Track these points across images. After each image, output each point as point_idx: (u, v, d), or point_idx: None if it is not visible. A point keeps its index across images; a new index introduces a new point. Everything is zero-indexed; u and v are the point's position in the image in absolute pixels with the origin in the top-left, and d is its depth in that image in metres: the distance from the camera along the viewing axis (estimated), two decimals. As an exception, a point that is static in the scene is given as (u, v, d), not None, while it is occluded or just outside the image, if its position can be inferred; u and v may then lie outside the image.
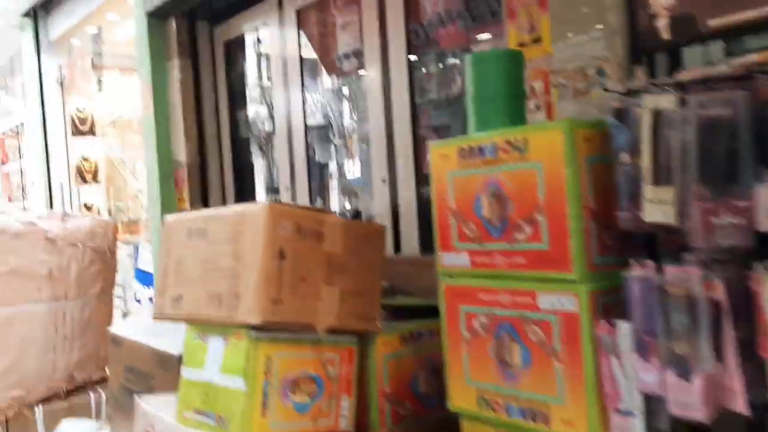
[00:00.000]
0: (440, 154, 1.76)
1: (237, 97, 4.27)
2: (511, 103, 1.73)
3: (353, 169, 3.94)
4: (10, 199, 8.81)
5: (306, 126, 3.59)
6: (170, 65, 4.29)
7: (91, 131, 6.71)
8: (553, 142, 1.49)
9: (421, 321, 2.22)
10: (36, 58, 6.47)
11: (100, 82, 6.66)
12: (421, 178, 2.91)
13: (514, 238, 1.58)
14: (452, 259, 1.76)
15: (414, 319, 2.25)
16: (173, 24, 4.24)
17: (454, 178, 1.73)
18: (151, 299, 4.87)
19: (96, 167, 6.77)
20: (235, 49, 4.25)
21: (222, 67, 4.29)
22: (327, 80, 3.88)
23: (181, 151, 4.28)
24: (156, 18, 4.27)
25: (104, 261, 3.14)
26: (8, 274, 2.78)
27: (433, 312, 2.35)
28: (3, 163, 8.74)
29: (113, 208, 7.11)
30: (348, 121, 3.80)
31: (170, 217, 2.16)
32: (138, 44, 4.41)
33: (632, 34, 1.76)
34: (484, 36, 2.60)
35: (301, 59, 3.57)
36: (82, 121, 6.69)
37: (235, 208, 1.95)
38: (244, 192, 4.27)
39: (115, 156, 7.22)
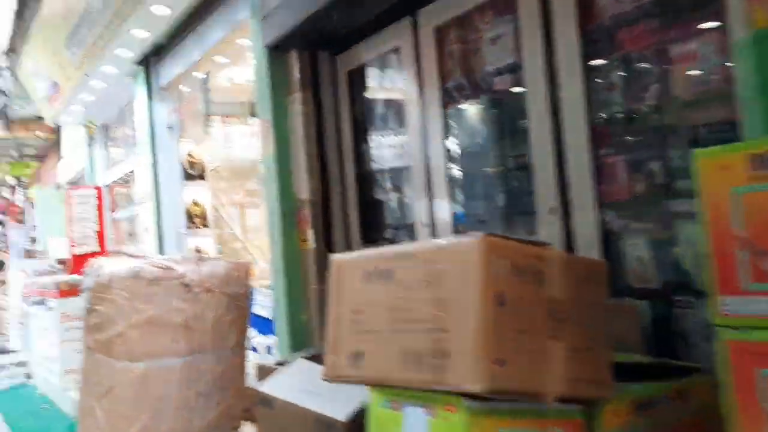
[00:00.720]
0: (717, 164, 1.33)
1: (361, 129, 3.99)
2: (820, 91, 1.28)
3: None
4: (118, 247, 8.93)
5: (448, 155, 3.23)
6: (291, 99, 4.07)
7: (201, 176, 6.67)
8: None
9: (655, 384, 1.76)
10: (147, 105, 6.51)
11: (207, 127, 6.64)
12: (605, 206, 2.46)
13: None
14: (741, 306, 1.31)
15: (631, 379, 1.79)
16: (294, 56, 4.03)
17: (742, 196, 1.29)
18: (269, 348, 4.59)
19: (205, 211, 6.71)
20: (358, 78, 3.99)
21: (345, 98, 4.03)
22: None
23: (303, 188, 4.01)
24: (276, 51, 4.08)
25: (239, 308, 2.85)
26: (144, 324, 2.52)
27: (656, 372, 1.90)
28: (113, 211, 8.90)
29: (217, 251, 7.02)
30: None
31: (339, 257, 1.81)
32: (257, 79, 4.23)
33: None
34: (691, 30, 2.16)
35: (443, 82, 3.23)
36: (193, 165, 6.66)
37: (432, 243, 1.58)
38: (370, 229, 3.94)
39: (216, 201, 7.17)
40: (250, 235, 7.68)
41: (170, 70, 6.21)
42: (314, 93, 4.05)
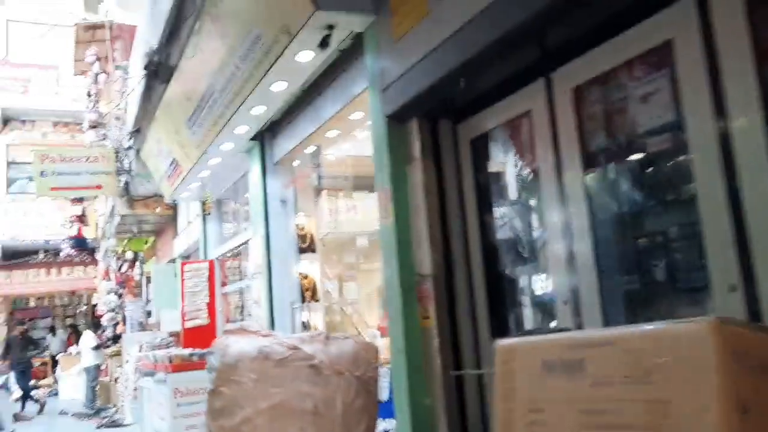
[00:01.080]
0: None
1: (487, 199, 3.76)
2: None
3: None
4: (227, 320, 9.03)
5: (592, 225, 2.93)
6: (411, 168, 3.93)
7: (311, 248, 6.64)
8: None
9: None
10: (261, 180, 6.62)
11: (318, 200, 6.66)
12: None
13: None
14: None
15: None
16: (414, 125, 3.92)
17: None
18: (387, 433, 4.28)
19: (314, 284, 6.63)
20: (482, 145, 3.80)
21: (468, 167, 3.84)
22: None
23: (426, 262, 3.80)
24: (395, 120, 3.98)
25: (368, 393, 2.60)
26: (271, 410, 2.32)
27: None
28: (223, 284, 9.05)
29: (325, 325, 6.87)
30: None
31: (509, 342, 1.55)
32: (376, 148, 4.14)
33: None
34: None
35: (583, 145, 2.97)
36: (302, 238, 6.65)
37: (636, 328, 1.29)
38: (499, 307, 3.64)
39: (323, 273, 7.09)
40: (349, 308, 7.56)
41: (284, 145, 6.32)
42: (435, 162, 3.90)
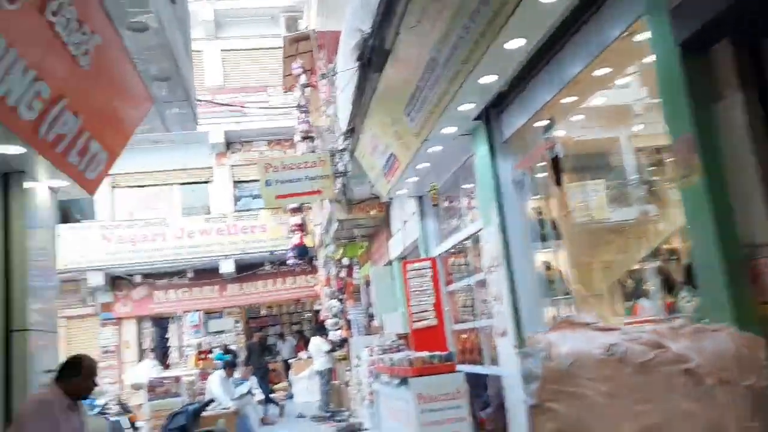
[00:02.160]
0: None
1: None
2: None
3: None
4: (455, 320, 8.49)
5: None
6: (722, 107, 2.97)
7: (556, 236, 5.81)
8: None
9: None
10: (490, 163, 5.93)
11: (559, 179, 5.79)
12: None
13: None
14: None
15: None
16: (723, 50, 2.96)
17: None
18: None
19: (560, 275, 5.79)
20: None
21: (815, 93, 2.79)
22: None
23: (758, 230, 2.81)
24: (693, 48, 3.05)
25: (764, 410, 1.73)
26: (640, 438, 1.57)
27: None
28: (448, 283, 8.53)
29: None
30: None
31: None
32: (666, 88, 3.23)
33: None
34: None
35: None
36: (542, 224, 5.85)
37: None
38: None
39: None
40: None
41: (514, 119, 5.59)
42: (761, 95, 2.90)
